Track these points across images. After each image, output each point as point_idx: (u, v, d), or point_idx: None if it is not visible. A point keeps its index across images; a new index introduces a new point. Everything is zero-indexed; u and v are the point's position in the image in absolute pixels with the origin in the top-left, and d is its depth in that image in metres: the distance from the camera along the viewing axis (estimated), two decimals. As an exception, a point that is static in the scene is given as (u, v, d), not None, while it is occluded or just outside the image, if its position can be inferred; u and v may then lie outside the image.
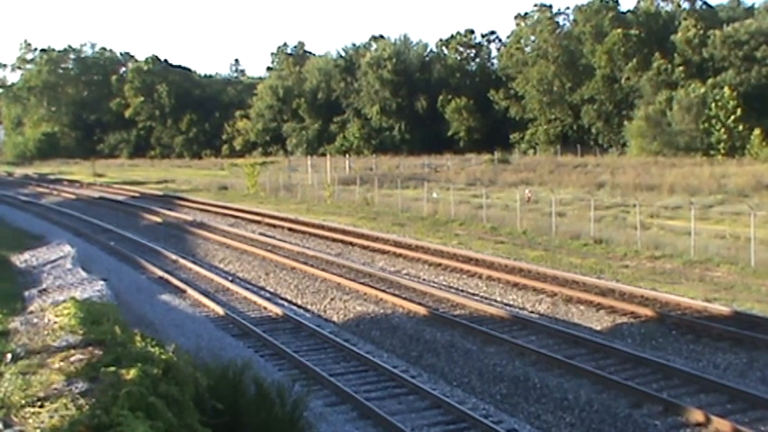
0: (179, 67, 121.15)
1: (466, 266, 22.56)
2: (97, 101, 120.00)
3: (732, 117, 67.71)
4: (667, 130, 70.76)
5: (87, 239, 31.89)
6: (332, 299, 20.05)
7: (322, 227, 31.88)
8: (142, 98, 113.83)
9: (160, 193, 53.20)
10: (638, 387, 12.65)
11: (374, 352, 15.82)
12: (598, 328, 16.71)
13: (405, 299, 18.93)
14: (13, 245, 29.06)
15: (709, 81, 72.15)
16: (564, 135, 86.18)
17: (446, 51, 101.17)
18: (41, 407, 6.19)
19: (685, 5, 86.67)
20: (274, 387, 9.73)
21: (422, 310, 17.81)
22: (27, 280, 22.01)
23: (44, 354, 7.79)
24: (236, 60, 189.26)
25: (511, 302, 19.25)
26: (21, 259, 25.89)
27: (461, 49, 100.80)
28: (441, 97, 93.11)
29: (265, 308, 19.48)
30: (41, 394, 6.47)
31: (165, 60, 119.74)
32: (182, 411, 6.70)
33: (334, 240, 28.95)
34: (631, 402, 12.21)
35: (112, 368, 6.92)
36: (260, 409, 9.14)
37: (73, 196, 52.07)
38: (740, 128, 67.18)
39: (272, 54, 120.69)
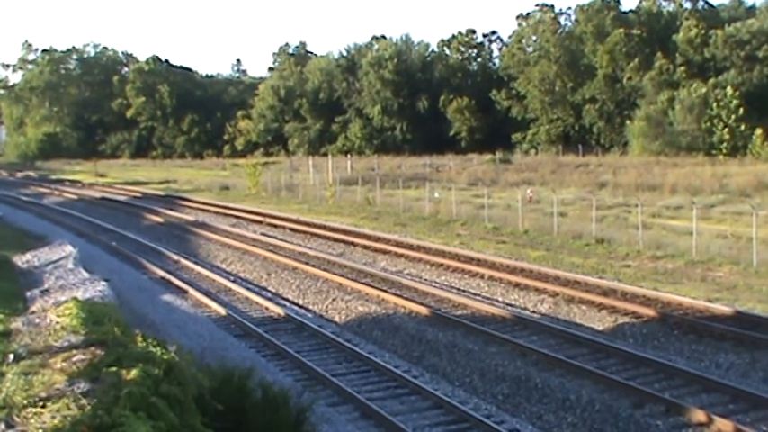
0: (180, 67, 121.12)
1: (468, 266, 22.55)
2: (99, 101, 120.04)
3: (734, 117, 67.59)
4: (669, 129, 70.64)
5: (89, 240, 31.91)
6: (334, 299, 20.06)
7: (324, 227, 31.88)
8: (144, 98, 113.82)
9: (162, 193, 53.22)
10: (640, 387, 12.64)
11: (376, 352, 15.83)
12: (600, 328, 16.70)
13: (406, 299, 18.93)
14: (15, 245, 29.03)
15: (711, 81, 71.97)
16: (566, 135, 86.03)
17: (448, 51, 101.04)
18: (43, 407, 6.20)
19: (687, 5, 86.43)
20: (281, 391, 9.71)
21: (424, 311, 17.81)
22: (29, 280, 21.97)
23: (46, 354, 7.80)
24: (238, 60, 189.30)
25: (513, 302, 19.24)
26: (22, 259, 25.86)
27: (463, 48, 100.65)
28: (442, 97, 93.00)
29: (267, 308, 19.49)
30: (43, 394, 6.47)
31: (167, 61, 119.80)
32: (183, 412, 6.70)
33: (335, 240, 28.95)
34: (633, 402, 12.20)
35: (114, 368, 6.92)
36: (265, 411, 9.13)
37: (75, 196, 52.10)
38: (742, 128, 67.02)
39: (274, 54, 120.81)
